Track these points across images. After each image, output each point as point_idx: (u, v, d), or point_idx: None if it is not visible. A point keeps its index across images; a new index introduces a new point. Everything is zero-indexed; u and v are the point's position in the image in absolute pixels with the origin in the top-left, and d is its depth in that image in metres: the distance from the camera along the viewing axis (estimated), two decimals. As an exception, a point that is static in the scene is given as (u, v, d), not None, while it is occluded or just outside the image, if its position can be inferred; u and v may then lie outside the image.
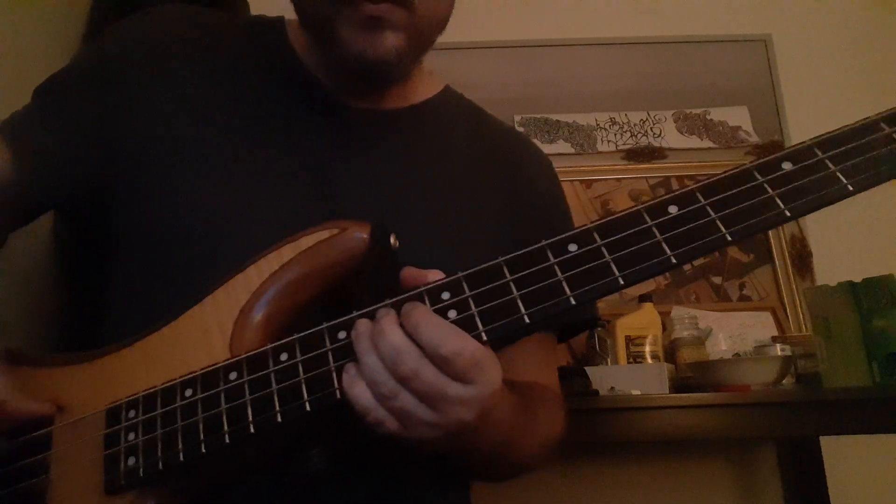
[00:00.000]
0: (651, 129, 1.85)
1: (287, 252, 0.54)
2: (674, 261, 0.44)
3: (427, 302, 0.47)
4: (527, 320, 0.45)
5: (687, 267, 1.75)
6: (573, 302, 0.45)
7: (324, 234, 0.53)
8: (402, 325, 0.46)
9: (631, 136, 1.85)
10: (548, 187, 0.79)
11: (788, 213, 0.43)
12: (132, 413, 0.52)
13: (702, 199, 0.45)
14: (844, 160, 0.44)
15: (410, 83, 0.73)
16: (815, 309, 1.23)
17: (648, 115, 1.86)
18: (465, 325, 0.46)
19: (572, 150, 1.81)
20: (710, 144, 1.83)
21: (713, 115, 1.86)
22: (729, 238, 0.43)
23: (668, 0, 1.95)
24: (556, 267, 0.46)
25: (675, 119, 1.86)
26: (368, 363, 0.46)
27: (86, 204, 0.66)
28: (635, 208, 0.46)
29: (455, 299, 0.47)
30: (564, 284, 0.45)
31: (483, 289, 0.47)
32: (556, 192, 0.80)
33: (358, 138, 0.68)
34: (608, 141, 1.84)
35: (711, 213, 0.44)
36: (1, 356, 0.59)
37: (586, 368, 1.27)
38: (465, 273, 0.48)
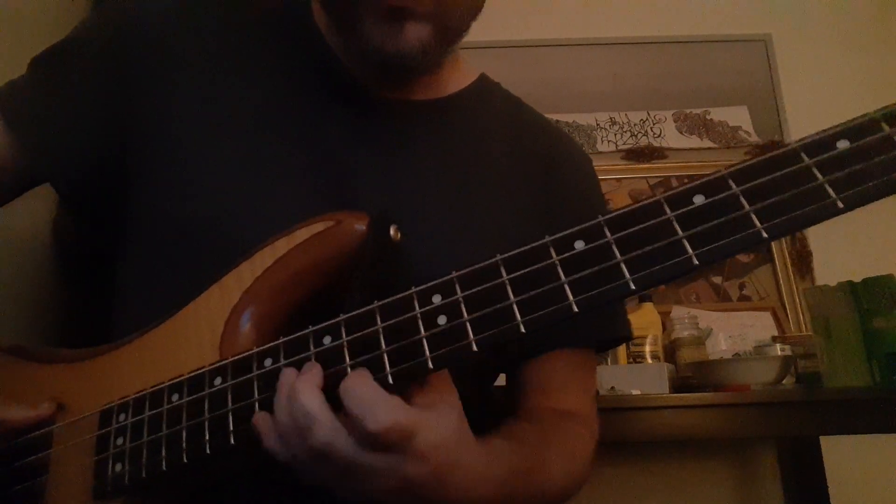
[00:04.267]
0: (651, 129, 1.85)
1: (282, 246, 0.50)
2: (695, 262, 0.37)
3: (417, 305, 0.43)
4: (522, 330, 0.39)
5: (687, 267, 1.75)
6: (576, 309, 0.38)
7: (319, 227, 0.50)
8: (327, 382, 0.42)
9: (631, 136, 1.85)
10: (584, 188, 0.73)
11: (841, 205, 0.35)
12: (122, 416, 0.50)
13: (733, 187, 0.37)
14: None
15: (442, 73, 0.68)
16: (815, 309, 1.23)
17: (648, 115, 1.86)
18: (455, 334, 0.41)
19: (572, 150, 1.81)
20: (710, 144, 1.83)
21: (713, 115, 1.86)
22: (765, 235, 0.36)
23: (668, 0, 1.95)
24: (558, 267, 0.40)
25: (675, 119, 1.86)
26: (282, 422, 0.42)
27: (90, 183, 0.63)
28: (655, 198, 0.39)
29: (446, 302, 0.42)
30: (567, 288, 0.39)
31: (476, 291, 0.41)
32: (592, 193, 0.74)
33: (381, 130, 0.63)
34: (608, 141, 1.84)
35: (745, 203, 0.37)
36: (7, 352, 0.58)
37: (586, 368, 1.26)
38: (459, 273, 0.42)
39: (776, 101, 1.86)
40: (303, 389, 0.42)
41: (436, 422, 0.43)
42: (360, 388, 0.41)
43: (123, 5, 0.65)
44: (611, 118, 1.86)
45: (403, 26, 0.55)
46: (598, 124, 1.85)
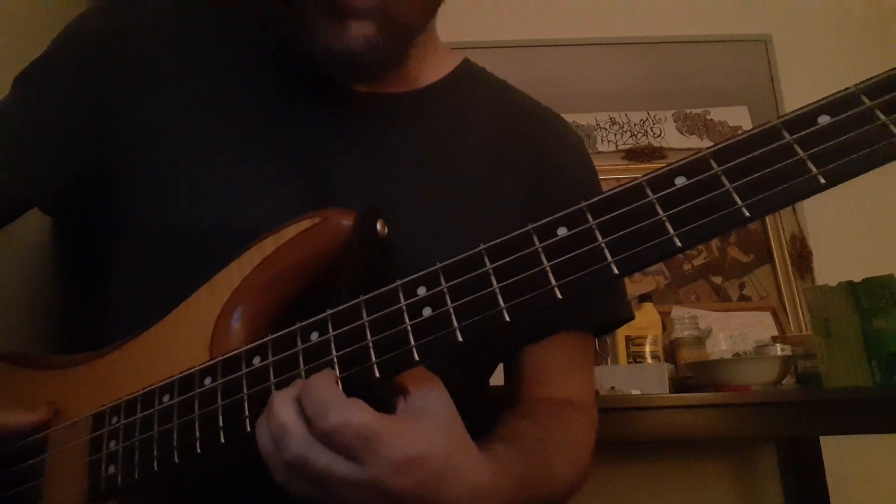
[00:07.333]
0: (651, 129, 1.85)
1: (269, 244, 0.51)
2: (678, 243, 0.37)
3: (402, 298, 0.43)
4: (507, 317, 0.39)
5: (687, 266, 1.75)
6: (559, 295, 0.38)
7: (306, 224, 0.50)
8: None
9: (631, 136, 1.85)
10: (574, 169, 0.72)
11: (823, 180, 0.34)
12: (115, 419, 0.50)
13: (715, 166, 0.37)
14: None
15: (415, 64, 0.66)
16: (815, 309, 1.23)
17: (648, 115, 1.86)
18: (440, 324, 0.41)
19: (572, 150, 1.81)
20: (710, 144, 1.83)
21: (713, 115, 1.86)
22: (747, 214, 0.36)
23: (669, 0, 1.95)
24: (541, 254, 0.40)
25: (675, 119, 1.86)
26: (262, 441, 0.42)
27: (77, 200, 0.63)
28: (637, 180, 0.39)
29: (431, 293, 0.42)
30: (550, 275, 0.39)
31: (460, 280, 0.41)
32: (583, 174, 0.73)
33: (358, 126, 0.63)
34: (608, 141, 1.84)
35: (726, 182, 0.37)
36: (5, 359, 0.59)
37: (586, 368, 1.26)
38: (443, 264, 0.42)
39: (776, 101, 1.85)
40: (278, 403, 0.41)
41: (416, 432, 0.42)
42: (317, 389, 0.41)
43: (98, 17, 0.65)
44: (611, 118, 1.86)
45: (346, 24, 0.54)
46: (598, 124, 1.85)
